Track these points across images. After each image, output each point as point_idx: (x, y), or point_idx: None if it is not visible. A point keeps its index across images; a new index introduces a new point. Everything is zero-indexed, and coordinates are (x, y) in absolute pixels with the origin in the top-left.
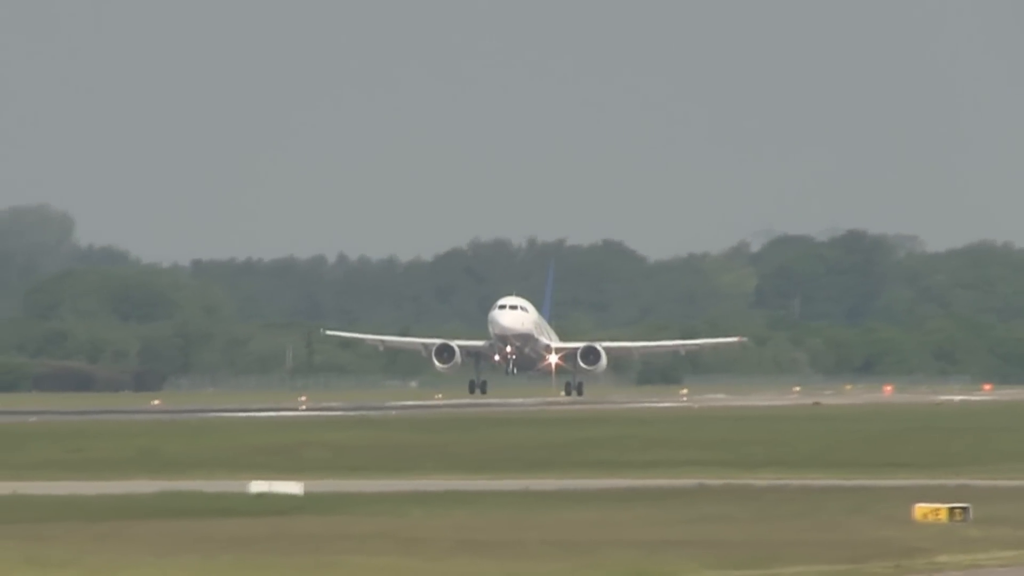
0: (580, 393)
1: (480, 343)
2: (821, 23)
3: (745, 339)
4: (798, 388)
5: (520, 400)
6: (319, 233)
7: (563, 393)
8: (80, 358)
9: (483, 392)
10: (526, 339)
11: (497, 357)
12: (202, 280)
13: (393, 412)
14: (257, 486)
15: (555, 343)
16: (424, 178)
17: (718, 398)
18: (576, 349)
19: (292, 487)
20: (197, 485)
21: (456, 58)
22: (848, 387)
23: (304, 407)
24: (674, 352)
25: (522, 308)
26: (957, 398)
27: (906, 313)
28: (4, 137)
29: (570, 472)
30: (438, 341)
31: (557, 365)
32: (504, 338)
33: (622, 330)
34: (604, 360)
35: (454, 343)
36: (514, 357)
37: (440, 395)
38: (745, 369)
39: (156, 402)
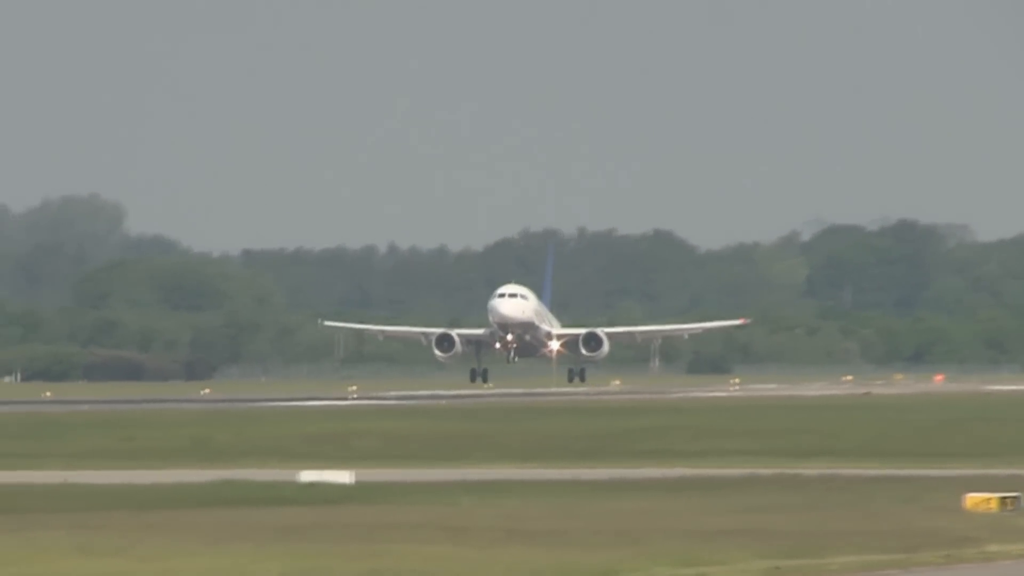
0: (583, 380)
1: (480, 331)
2: (873, 11)
3: (749, 320)
4: (849, 378)
5: (567, 389)
6: (369, 223)
7: (566, 380)
8: (131, 348)
9: (484, 380)
10: (526, 327)
11: (498, 345)
12: (252, 270)
13: (443, 401)
14: (307, 475)
15: (556, 330)
16: (475, 168)
17: (769, 388)
18: (578, 335)
19: (342, 476)
20: (248, 474)
21: (504, 47)
22: (899, 377)
23: (354, 396)
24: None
25: (522, 296)
26: (1007, 387)
27: (956, 303)
28: (55, 127)
29: (620, 461)
30: (439, 330)
31: (559, 352)
32: (504, 326)
33: (672, 320)
34: (606, 346)
35: (454, 332)
36: (515, 345)
37: (489, 385)
38: (796, 359)
39: (206, 391)
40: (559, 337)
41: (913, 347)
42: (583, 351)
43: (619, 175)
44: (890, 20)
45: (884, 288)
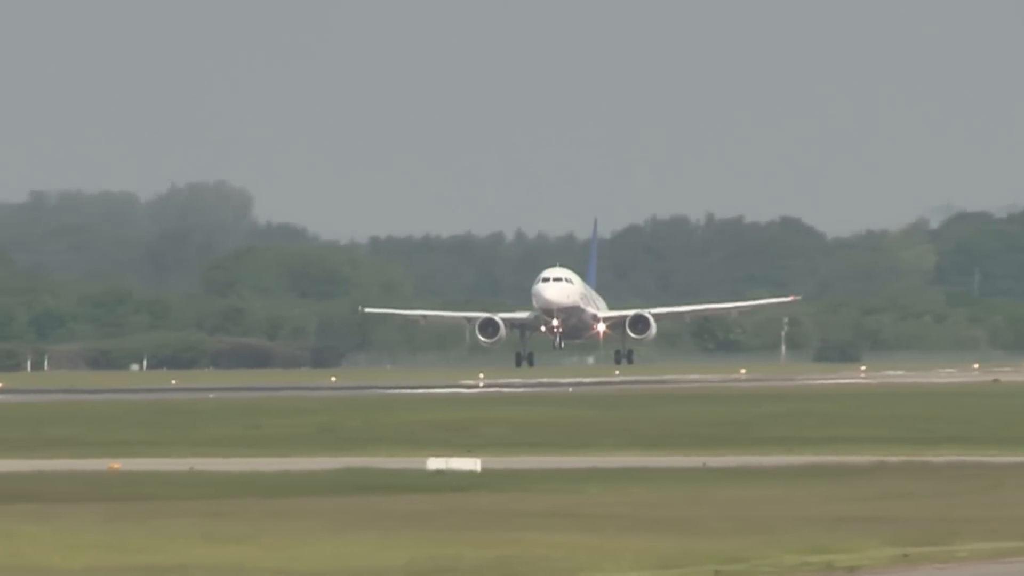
0: (631, 361)
1: (525, 315)
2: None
3: (799, 297)
4: (977, 365)
5: (695, 376)
6: (497, 210)
7: (614, 362)
8: (258, 335)
9: (530, 364)
10: (572, 311)
11: (543, 329)
12: (380, 257)
13: (570, 388)
14: (435, 462)
15: (603, 312)
16: (603, 154)
17: (897, 375)
18: (625, 317)
19: (470, 463)
20: (374, 461)
21: (643, 35)
22: None
23: (482, 384)
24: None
25: (567, 280)
26: None
27: None
28: (182, 115)
29: (748, 448)
30: (483, 315)
31: (605, 333)
32: (550, 311)
33: (800, 307)
34: (654, 328)
35: (498, 316)
36: (561, 330)
37: (617, 371)
38: (924, 346)
39: (334, 379)
40: (606, 320)
41: None
42: (630, 333)
43: (747, 161)
44: (1018, 5)
45: (1013, 275)
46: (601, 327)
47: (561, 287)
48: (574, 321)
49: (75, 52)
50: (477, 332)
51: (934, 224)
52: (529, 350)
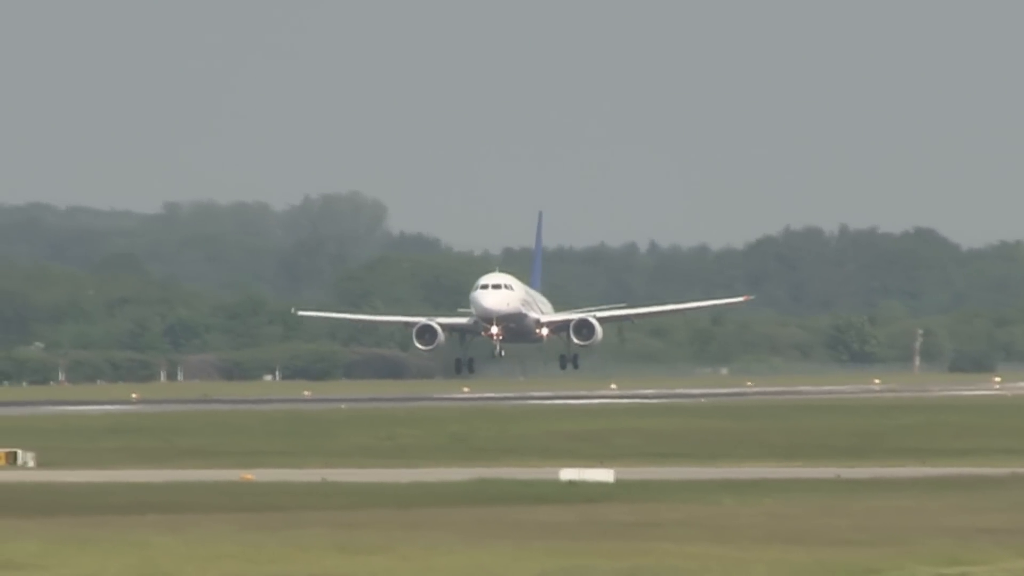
0: (576, 366)
1: (463, 321)
2: None
3: (752, 297)
4: None
5: (828, 387)
6: (630, 221)
7: (559, 368)
8: (391, 345)
9: (471, 371)
10: (512, 318)
11: (484, 334)
12: (514, 267)
13: (703, 399)
14: (567, 473)
15: (545, 316)
16: (736, 166)
17: None
18: (569, 322)
19: (603, 474)
20: (508, 472)
21: (771, 50)
22: None
23: (614, 394)
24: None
25: (506, 286)
26: None
27: None
28: (317, 125)
29: (881, 459)
30: (420, 320)
31: (549, 336)
32: (489, 319)
33: (934, 318)
34: (599, 333)
35: (435, 322)
36: (501, 338)
37: (750, 382)
38: None
39: (466, 389)
40: (549, 324)
41: None
42: (575, 339)
43: (881, 172)
44: None
45: None
46: (544, 332)
47: (500, 294)
48: (515, 327)
49: (214, 64)
50: (414, 338)
51: None
52: (469, 356)
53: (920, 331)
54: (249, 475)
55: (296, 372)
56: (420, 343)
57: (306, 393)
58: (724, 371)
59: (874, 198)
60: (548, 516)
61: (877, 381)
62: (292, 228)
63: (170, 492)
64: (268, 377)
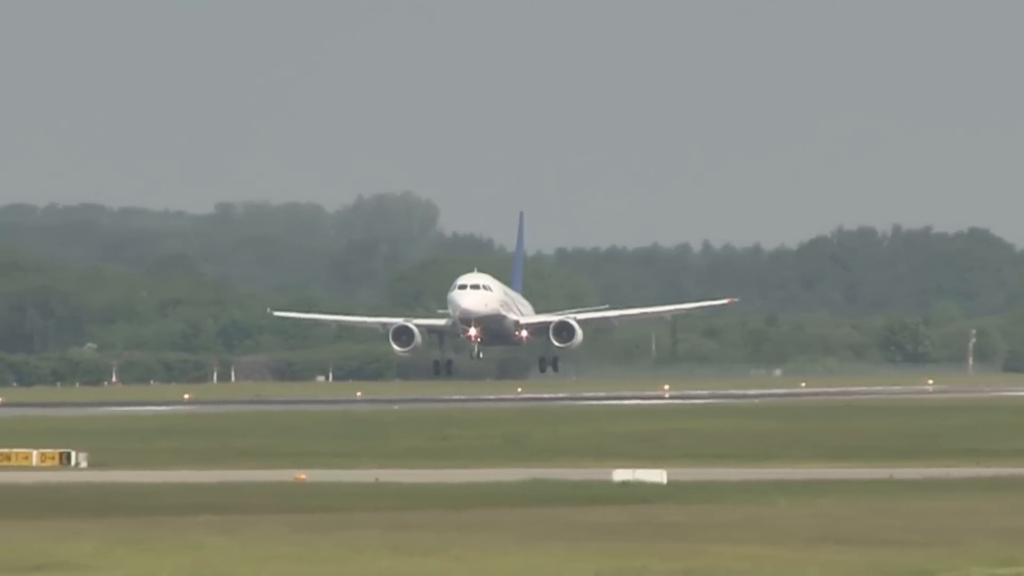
0: (556, 369)
1: (441, 322)
2: None
3: (736, 299)
4: None
5: (881, 388)
6: (684, 221)
7: (539, 371)
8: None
9: (449, 373)
10: (491, 319)
11: (463, 336)
12: (566, 268)
13: (756, 400)
14: (621, 474)
15: (524, 318)
16: (790, 167)
17: None
18: (548, 324)
19: (656, 475)
20: (561, 473)
21: (830, 54)
22: None
23: (668, 395)
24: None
25: (485, 287)
26: None
27: None
28: (369, 127)
29: (935, 460)
30: (397, 321)
31: (528, 338)
32: (467, 320)
33: (988, 318)
34: (579, 335)
35: (413, 323)
36: (479, 340)
37: (804, 383)
38: None
39: (519, 390)
40: (528, 326)
41: None
42: (554, 341)
43: (934, 172)
44: None
45: None
46: (524, 334)
47: (478, 295)
48: (495, 328)
49: (268, 67)
50: (391, 340)
51: None
52: (448, 358)
53: (974, 331)
54: (302, 476)
55: (348, 373)
56: (397, 344)
57: (358, 394)
58: (777, 372)
59: (928, 198)
60: (601, 517)
61: (931, 382)
62: (345, 229)
63: (223, 493)
64: (320, 378)
